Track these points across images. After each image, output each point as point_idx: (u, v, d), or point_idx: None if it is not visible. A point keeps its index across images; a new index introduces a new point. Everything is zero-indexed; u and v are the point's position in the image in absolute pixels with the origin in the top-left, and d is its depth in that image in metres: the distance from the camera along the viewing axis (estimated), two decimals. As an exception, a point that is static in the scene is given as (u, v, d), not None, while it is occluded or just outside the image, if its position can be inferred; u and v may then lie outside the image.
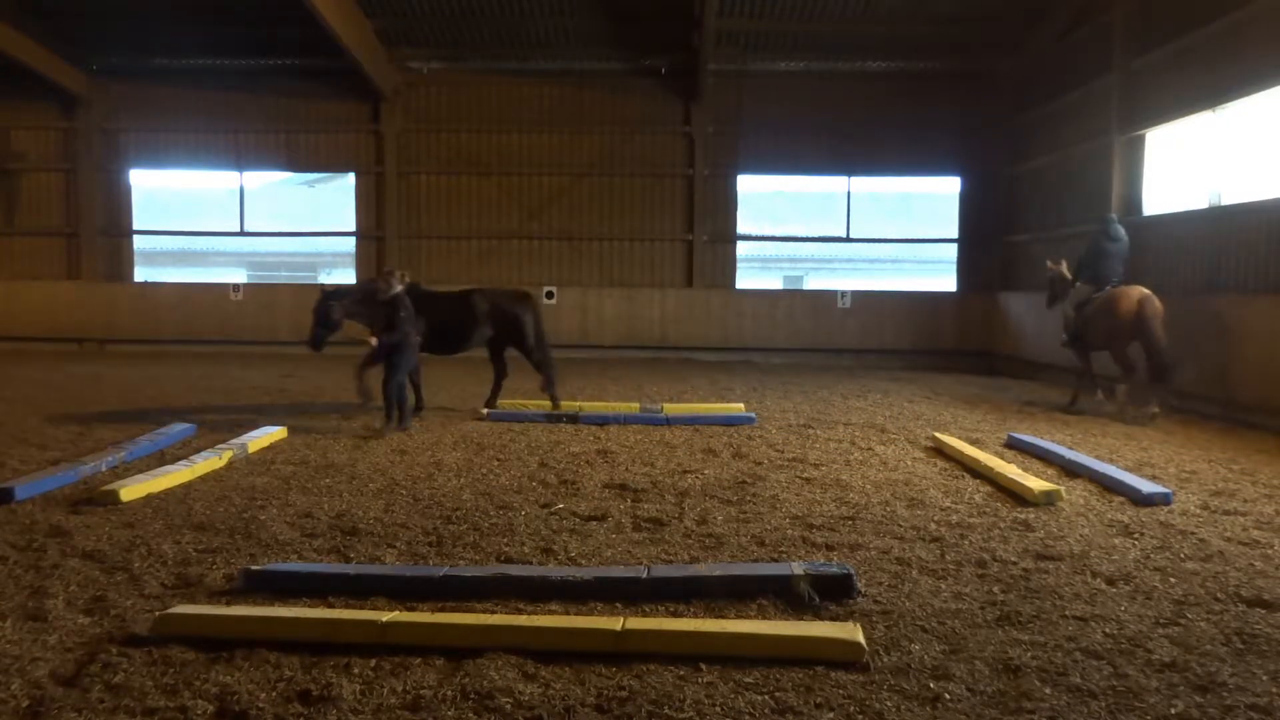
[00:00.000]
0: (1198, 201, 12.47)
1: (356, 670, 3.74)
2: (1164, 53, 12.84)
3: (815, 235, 25.43)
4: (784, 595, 4.56)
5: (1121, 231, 11.65)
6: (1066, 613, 4.47)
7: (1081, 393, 11.85)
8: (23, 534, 5.66)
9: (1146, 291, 10.84)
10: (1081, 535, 5.84)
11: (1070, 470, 7.73)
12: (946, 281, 21.80)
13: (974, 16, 16.93)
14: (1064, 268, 12.47)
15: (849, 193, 19.76)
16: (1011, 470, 7.34)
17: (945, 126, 18.80)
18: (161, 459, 7.83)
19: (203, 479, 7.18)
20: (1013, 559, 5.33)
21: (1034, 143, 17.30)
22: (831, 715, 3.42)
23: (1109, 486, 7.10)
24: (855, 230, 20.29)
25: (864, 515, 6.30)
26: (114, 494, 6.40)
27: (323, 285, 10.85)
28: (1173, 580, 4.97)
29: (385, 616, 4.11)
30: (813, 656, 3.83)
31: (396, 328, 9.31)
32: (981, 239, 19.10)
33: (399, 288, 9.55)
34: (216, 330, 19.37)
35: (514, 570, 4.84)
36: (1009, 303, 17.80)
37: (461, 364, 16.87)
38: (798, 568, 4.72)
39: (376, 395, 9.75)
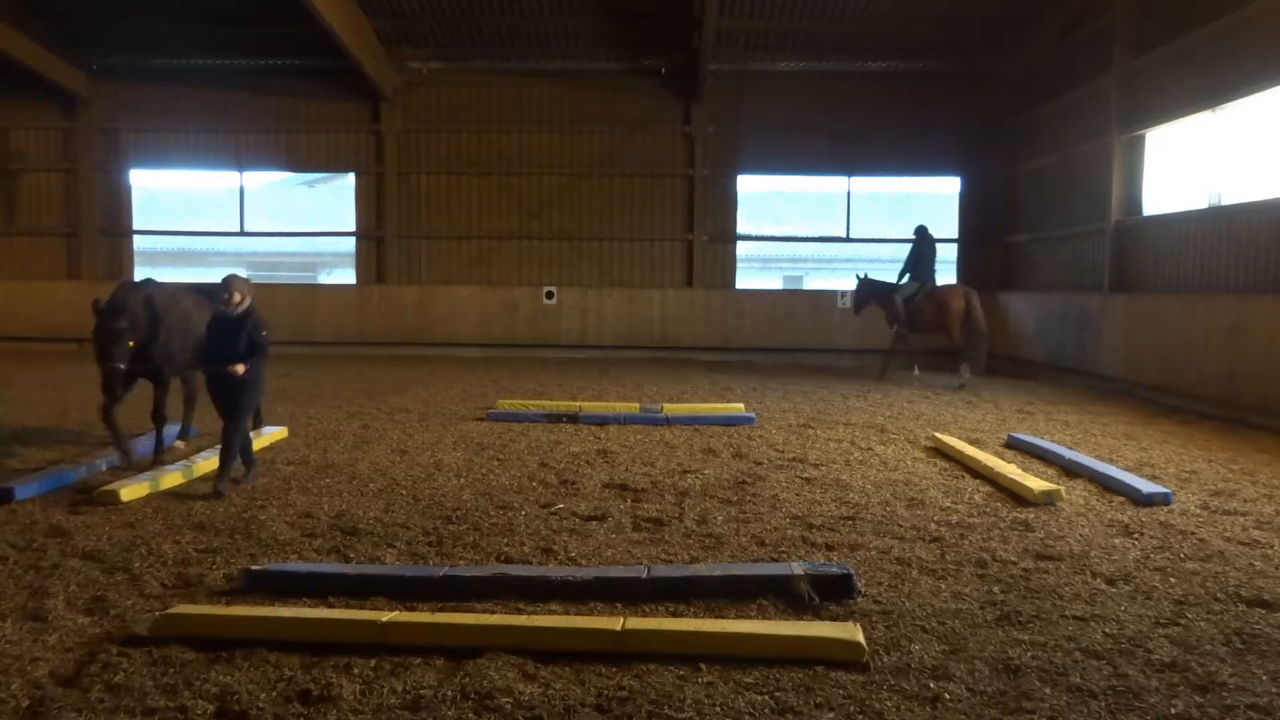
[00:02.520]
0: (1198, 201, 12.47)
1: (356, 670, 3.75)
2: (1164, 53, 12.84)
3: (815, 235, 25.42)
4: (784, 595, 4.56)
5: (933, 237, 15.10)
6: (1066, 613, 4.47)
7: (909, 362, 15.37)
8: (23, 534, 5.66)
9: (969, 289, 14.55)
10: (1081, 535, 5.84)
11: (1070, 470, 7.73)
12: (947, 281, 21.76)
13: (974, 16, 16.92)
14: (867, 275, 16.11)
15: (849, 193, 19.75)
16: (1011, 470, 7.34)
17: (945, 126, 18.78)
18: (161, 459, 7.83)
19: (203, 479, 7.18)
20: (1013, 559, 5.33)
21: (1034, 143, 17.30)
22: (831, 715, 3.42)
23: (1109, 486, 7.10)
24: (855, 230, 20.28)
25: (864, 515, 6.30)
26: (114, 494, 6.40)
27: (96, 302, 7.71)
28: (1173, 580, 4.98)
29: (385, 616, 4.12)
30: (813, 656, 3.84)
31: (261, 349, 7.00)
32: (981, 239, 19.09)
33: (249, 299, 7.09)
34: (216, 330, 19.34)
35: (514, 570, 4.84)
36: (1009, 303, 17.80)
37: (462, 363, 16.88)
38: (798, 568, 4.72)
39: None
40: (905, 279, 15.10)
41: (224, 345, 6.95)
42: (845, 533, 5.87)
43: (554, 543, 5.59)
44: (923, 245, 14.93)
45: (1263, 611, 4.52)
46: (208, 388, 7.19)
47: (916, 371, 15.54)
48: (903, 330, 15.03)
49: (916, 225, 15.39)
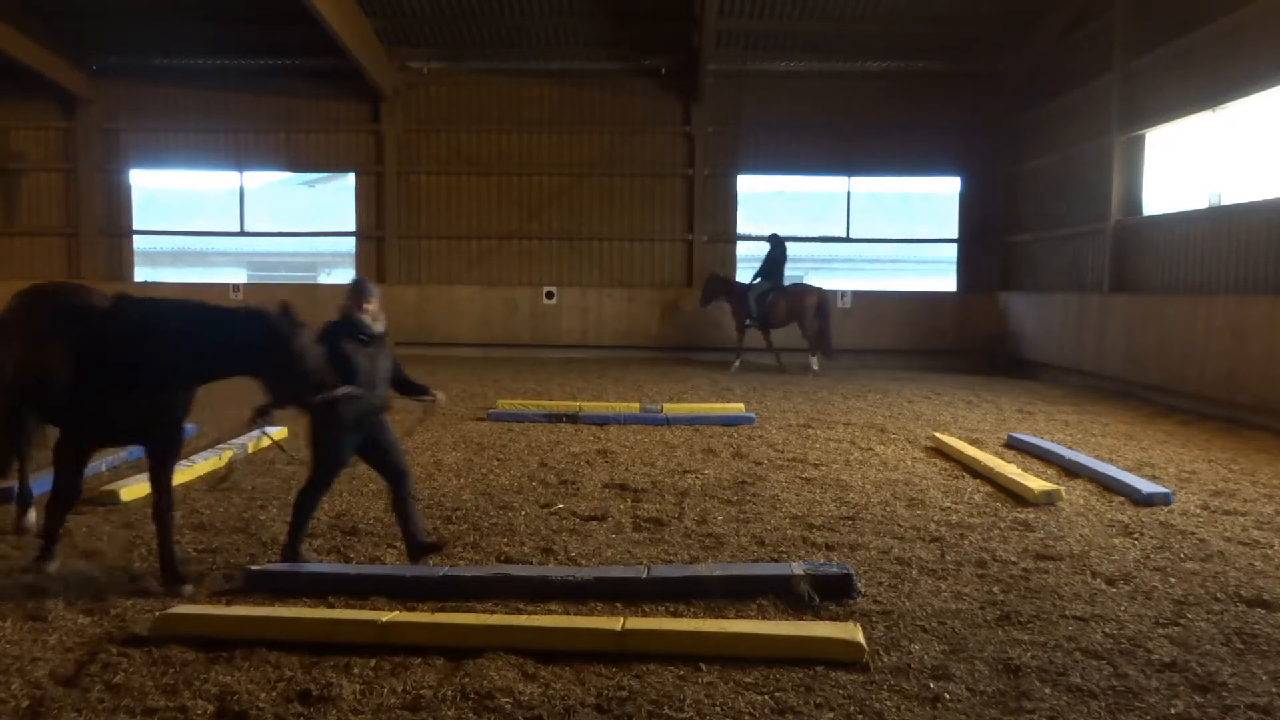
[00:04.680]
0: (1198, 201, 12.47)
1: (356, 670, 3.75)
2: (1164, 53, 12.84)
3: (815, 235, 25.40)
4: (784, 595, 4.56)
5: (785, 243, 16.66)
6: (1066, 613, 4.47)
7: (772, 352, 16.52)
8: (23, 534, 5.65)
9: (823, 288, 16.49)
10: (1081, 535, 5.84)
11: (1070, 470, 7.73)
12: (946, 281, 21.78)
13: (974, 17, 16.92)
14: (715, 274, 17.58)
15: (849, 193, 19.75)
16: (1011, 470, 7.34)
17: (945, 126, 18.77)
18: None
19: (203, 479, 7.17)
20: (1013, 559, 5.33)
21: (1034, 143, 17.30)
22: (831, 715, 3.42)
23: (1109, 486, 7.10)
24: (855, 230, 20.27)
25: (864, 515, 6.30)
26: (114, 494, 6.41)
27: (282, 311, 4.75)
28: (1173, 580, 4.98)
29: (385, 616, 4.12)
30: (813, 656, 3.84)
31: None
32: (981, 239, 19.09)
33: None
34: (216, 330, 19.31)
35: (514, 570, 4.84)
36: (1009, 303, 17.81)
37: (462, 363, 16.87)
38: (798, 568, 4.73)
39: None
40: (758, 280, 16.54)
41: (368, 374, 4.96)
42: (845, 533, 5.87)
43: (554, 543, 5.59)
44: (776, 250, 16.51)
45: (1263, 611, 4.52)
46: (326, 437, 5.02)
47: (738, 363, 16.55)
48: (752, 325, 16.46)
49: (770, 233, 17.06)
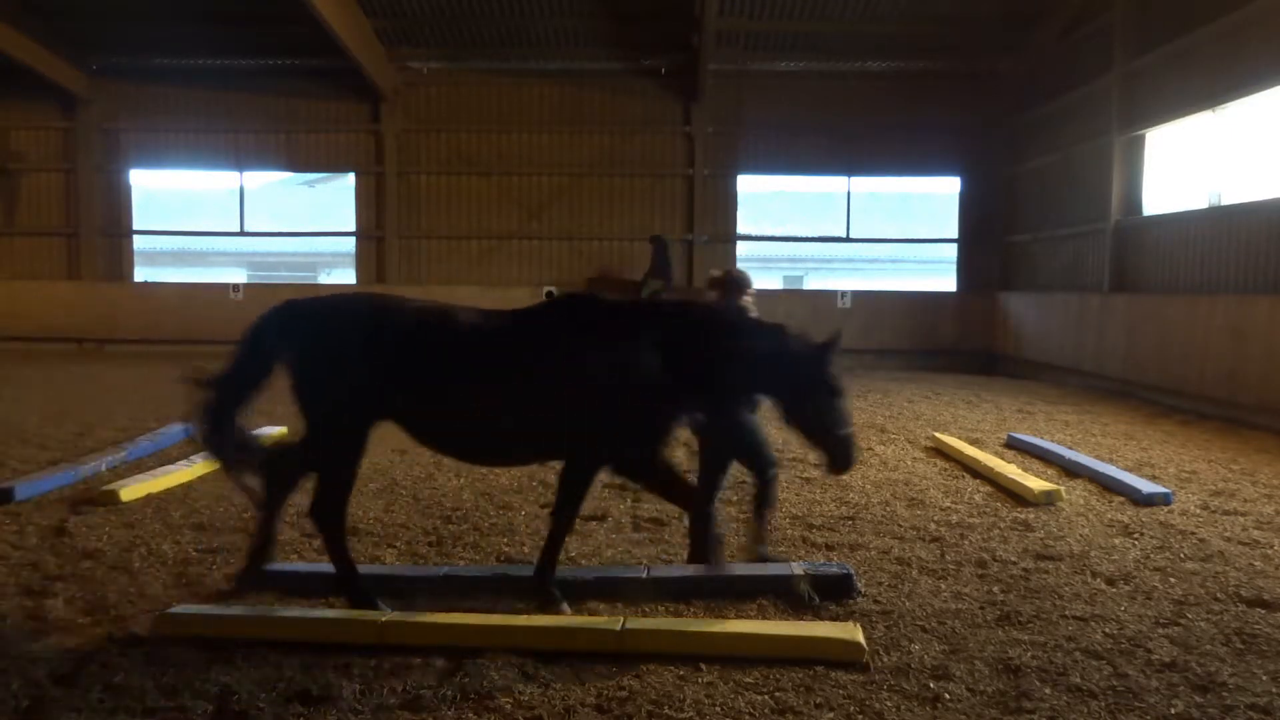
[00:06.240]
0: (1198, 201, 12.47)
1: (356, 670, 3.74)
2: (1164, 53, 12.84)
3: (815, 235, 25.42)
4: (784, 595, 4.56)
5: (667, 244, 17.66)
6: (1066, 613, 4.47)
7: None
8: (22, 534, 5.65)
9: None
10: (1081, 535, 5.84)
11: (1070, 470, 7.73)
12: (946, 281, 21.79)
13: (974, 17, 16.92)
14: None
15: (849, 193, 19.76)
16: (1011, 470, 7.34)
17: (945, 126, 18.78)
18: (162, 459, 7.82)
19: (203, 479, 7.17)
20: (1013, 559, 5.33)
21: (1034, 143, 17.31)
22: (831, 715, 3.42)
23: (1109, 486, 7.10)
24: (855, 230, 20.28)
25: (864, 515, 6.30)
26: (114, 494, 6.40)
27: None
28: (1173, 580, 4.97)
29: (385, 616, 4.12)
30: (813, 656, 3.83)
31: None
32: (981, 239, 19.09)
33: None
34: (217, 330, 19.30)
35: (514, 570, 4.84)
36: (1009, 303, 17.81)
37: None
38: (798, 568, 4.72)
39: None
40: (647, 280, 17.31)
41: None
42: (845, 533, 5.87)
43: (554, 543, 5.58)
44: (664, 251, 17.47)
45: (1263, 611, 4.52)
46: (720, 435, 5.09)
47: None
48: None
49: (654, 235, 18.03)
